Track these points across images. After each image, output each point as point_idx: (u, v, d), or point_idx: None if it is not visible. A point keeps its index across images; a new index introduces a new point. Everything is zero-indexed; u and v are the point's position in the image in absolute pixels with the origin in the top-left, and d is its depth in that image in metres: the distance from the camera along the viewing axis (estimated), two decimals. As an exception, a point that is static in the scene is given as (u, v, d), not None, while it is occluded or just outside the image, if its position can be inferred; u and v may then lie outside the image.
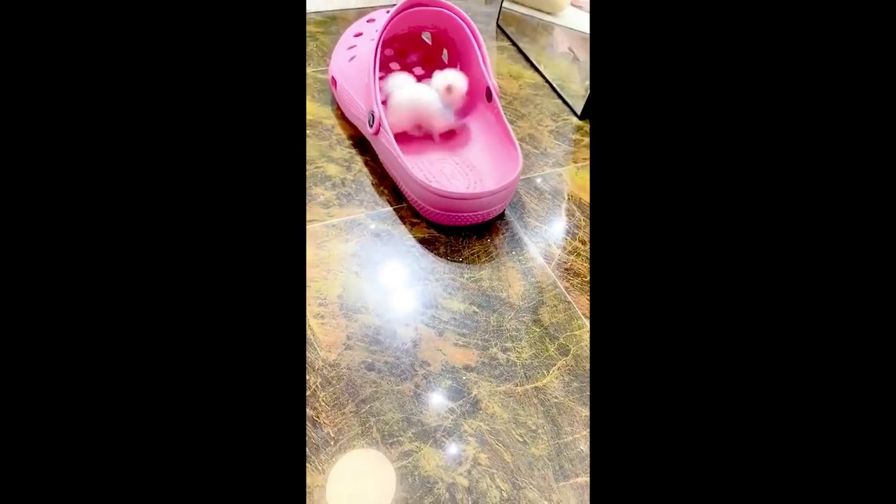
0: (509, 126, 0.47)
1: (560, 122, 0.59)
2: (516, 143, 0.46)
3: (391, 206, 0.48)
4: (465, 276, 0.43)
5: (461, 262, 0.44)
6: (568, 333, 0.40)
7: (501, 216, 0.47)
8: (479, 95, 0.51)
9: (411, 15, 0.48)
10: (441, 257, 0.44)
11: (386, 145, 0.46)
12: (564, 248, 0.46)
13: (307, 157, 0.52)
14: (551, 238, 0.47)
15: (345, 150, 0.54)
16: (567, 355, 0.39)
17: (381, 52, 0.58)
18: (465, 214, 0.44)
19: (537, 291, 0.42)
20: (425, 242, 0.45)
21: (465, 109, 0.53)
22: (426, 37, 0.58)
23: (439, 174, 0.48)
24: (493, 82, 0.48)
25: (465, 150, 0.50)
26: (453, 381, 0.37)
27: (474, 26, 0.49)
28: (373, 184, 0.50)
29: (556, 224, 0.48)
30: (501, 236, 0.46)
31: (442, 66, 0.56)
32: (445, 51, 0.55)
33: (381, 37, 0.47)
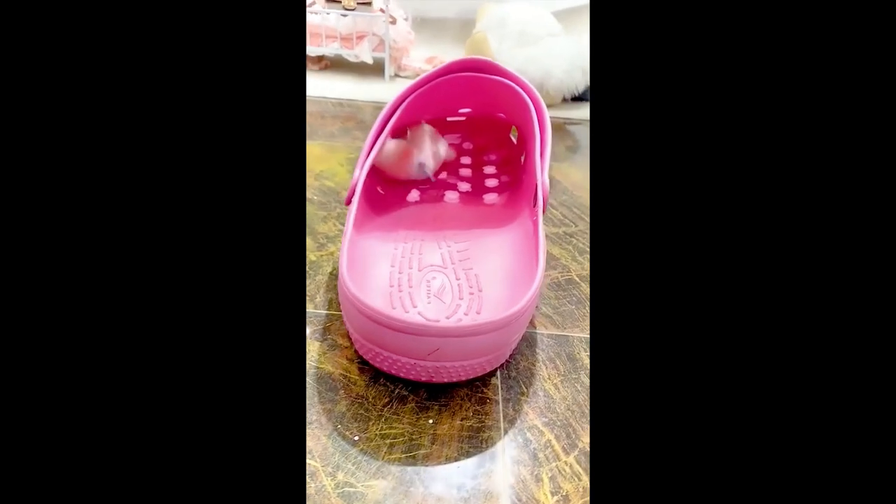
0: (542, 240, 0.29)
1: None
2: (542, 261, 0.28)
3: (330, 309, 0.31)
4: (339, 488, 0.23)
5: (349, 445, 0.24)
6: None
7: (483, 380, 0.28)
8: (526, 199, 0.34)
9: (456, 82, 0.34)
10: (329, 420, 0.25)
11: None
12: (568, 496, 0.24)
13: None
14: (555, 463, 0.25)
15: (340, 224, 0.40)
16: None
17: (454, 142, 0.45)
18: (401, 360, 0.25)
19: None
20: (323, 383, 0.27)
21: (508, 215, 0.36)
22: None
23: (420, 286, 0.31)
24: (544, 180, 0.31)
25: (482, 262, 0.33)
26: None
27: (543, 107, 0.33)
28: (332, 273, 0.34)
29: (573, 433, 0.26)
30: (457, 421, 0.26)
31: (512, 150, 0.40)
32: (514, 128, 0.40)
33: (403, 96, 0.33)
